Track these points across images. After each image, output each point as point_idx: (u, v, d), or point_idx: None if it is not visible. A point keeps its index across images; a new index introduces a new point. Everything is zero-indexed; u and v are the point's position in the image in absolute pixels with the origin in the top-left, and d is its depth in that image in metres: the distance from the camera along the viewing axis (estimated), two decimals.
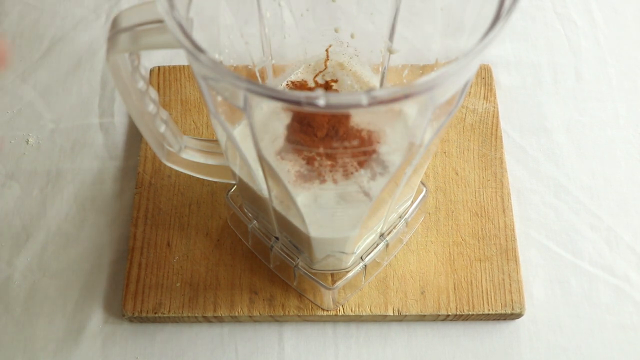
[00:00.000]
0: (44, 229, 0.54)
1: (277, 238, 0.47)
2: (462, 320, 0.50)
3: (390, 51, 0.42)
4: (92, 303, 0.51)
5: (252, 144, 0.33)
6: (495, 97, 0.58)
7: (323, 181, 0.37)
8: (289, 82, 0.45)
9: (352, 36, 0.44)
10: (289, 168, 0.37)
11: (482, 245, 0.51)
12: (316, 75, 0.45)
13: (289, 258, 0.47)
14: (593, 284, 0.51)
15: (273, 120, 0.37)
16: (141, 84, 0.36)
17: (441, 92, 0.29)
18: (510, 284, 0.50)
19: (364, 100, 0.24)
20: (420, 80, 0.25)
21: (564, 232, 0.54)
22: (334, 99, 0.24)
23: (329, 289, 0.46)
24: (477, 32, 0.30)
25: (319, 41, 0.44)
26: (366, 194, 0.37)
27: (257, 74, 0.43)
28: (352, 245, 0.42)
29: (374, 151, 0.36)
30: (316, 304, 0.49)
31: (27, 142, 0.58)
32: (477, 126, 0.57)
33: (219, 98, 0.32)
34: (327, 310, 0.49)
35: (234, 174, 0.41)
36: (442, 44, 0.39)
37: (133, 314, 0.49)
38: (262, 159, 0.34)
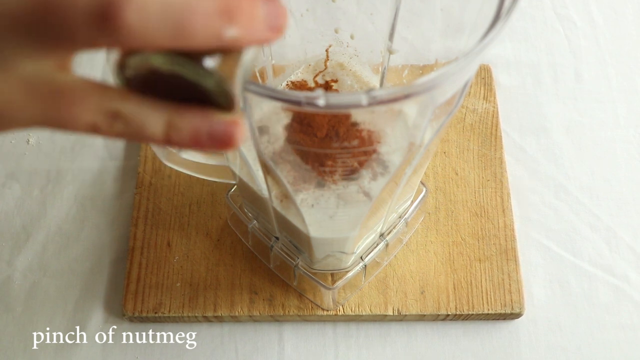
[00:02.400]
0: (44, 229, 0.54)
1: (277, 238, 0.47)
2: (462, 320, 0.50)
3: (390, 51, 0.42)
4: (92, 303, 0.51)
5: (252, 144, 0.33)
6: (495, 97, 0.58)
7: (323, 181, 0.37)
8: (289, 82, 0.45)
9: (351, 37, 0.44)
10: (288, 168, 0.37)
11: (482, 245, 0.51)
12: (316, 76, 0.45)
13: (289, 258, 0.47)
14: (593, 284, 0.51)
15: (273, 120, 0.37)
16: None
17: (441, 92, 0.29)
18: (509, 284, 0.50)
19: (364, 100, 0.24)
20: (420, 80, 0.25)
21: (564, 232, 0.54)
22: (334, 99, 0.24)
23: (329, 288, 0.46)
24: (477, 33, 0.30)
25: (319, 41, 0.44)
26: (366, 194, 0.37)
27: (257, 74, 0.43)
28: (352, 245, 0.42)
29: (374, 151, 0.36)
30: (316, 304, 0.49)
31: (28, 142, 0.58)
32: (477, 126, 0.57)
33: None
34: (327, 310, 0.49)
35: (234, 174, 0.42)
36: (442, 44, 0.39)
37: (133, 313, 0.49)
38: (262, 159, 0.34)
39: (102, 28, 0.19)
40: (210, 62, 0.21)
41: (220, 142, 0.23)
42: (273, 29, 0.22)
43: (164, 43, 0.20)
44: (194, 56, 0.21)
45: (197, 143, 0.23)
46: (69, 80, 0.22)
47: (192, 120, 0.23)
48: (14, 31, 0.20)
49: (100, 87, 0.22)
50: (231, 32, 0.21)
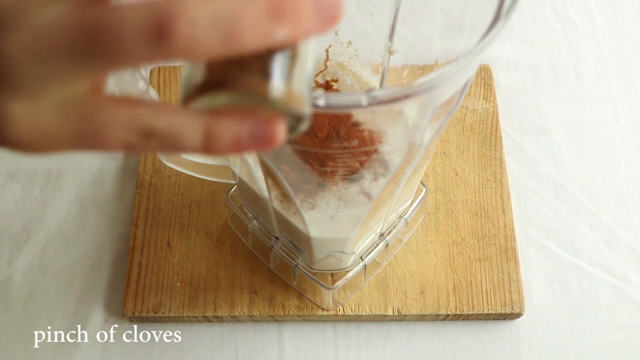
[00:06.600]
0: (44, 229, 0.54)
1: (277, 238, 0.47)
2: (462, 320, 0.50)
3: (390, 51, 0.42)
4: (92, 303, 0.51)
5: None
6: (495, 97, 0.58)
7: (324, 182, 0.37)
8: None
9: (350, 39, 0.44)
10: (288, 169, 0.37)
11: (482, 245, 0.51)
12: (316, 75, 0.45)
13: (289, 258, 0.47)
14: (593, 284, 0.51)
15: None
16: (141, 84, 0.37)
17: (441, 92, 0.29)
18: (509, 284, 0.50)
19: (364, 100, 0.24)
20: (420, 81, 0.25)
21: (564, 232, 0.54)
22: (334, 99, 0.24)
23: (329, 288, 0.46)
24: (476, 33, 0.30)
25: (318, 41, 0.44)
26: (366, 195, 0.37)
27: None
28: (352, 245, 0.42)
29: (375, 151, 0.36)
30: (316, 304, 0.49)
31: None
32: (477, 126, 0.57)
33: None
34: (327, 310, 0.49)
35: (234, 174, 0.42)
36: (442, 44, 0.39)
37: (133, 313, 0.49)
38: (262, 160, 0.34)
39: (157, 44, 0.19)
40: (276, 93, 0.21)
41: (262, 143, 0.22)
42: (324, 20, 0.21)
43: (214, 52, 0.20)
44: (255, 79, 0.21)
45: (238, 148, 0.22)
46: (101, 102, 0.22)
47: (231, 126, 0.22)
48: (55, 54, 0.20)
49: (131, 104, 0.22)
50: (281, 33, 0.20)
